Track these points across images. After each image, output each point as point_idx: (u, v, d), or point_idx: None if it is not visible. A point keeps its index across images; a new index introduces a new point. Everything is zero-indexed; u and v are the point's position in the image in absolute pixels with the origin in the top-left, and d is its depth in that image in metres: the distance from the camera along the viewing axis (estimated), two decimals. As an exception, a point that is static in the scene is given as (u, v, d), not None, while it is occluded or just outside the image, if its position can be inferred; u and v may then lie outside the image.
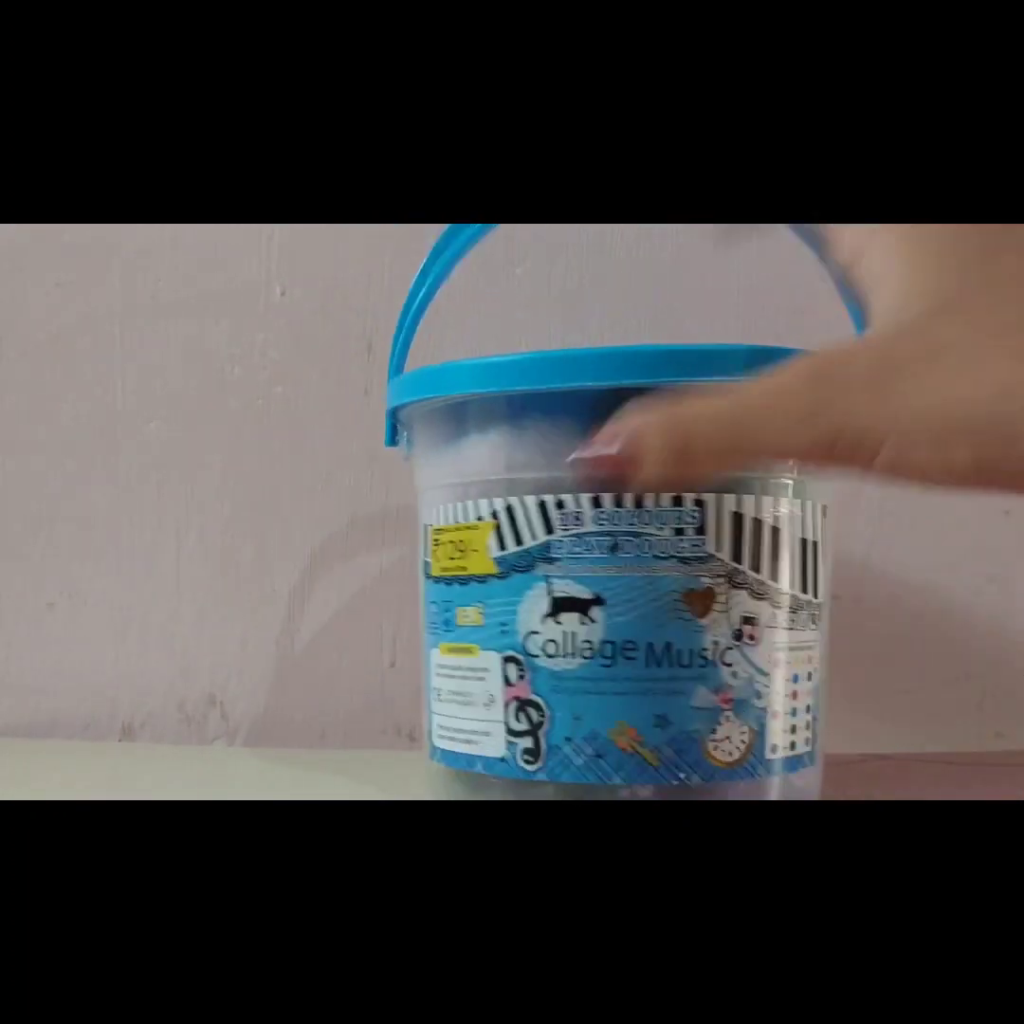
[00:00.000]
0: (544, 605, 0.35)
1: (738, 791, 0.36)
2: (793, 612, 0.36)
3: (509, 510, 0.36)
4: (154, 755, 0.55)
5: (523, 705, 0.36)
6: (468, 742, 0.37)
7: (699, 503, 0.34)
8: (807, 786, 0.38)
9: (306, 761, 0.52)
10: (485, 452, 0.36)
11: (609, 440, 0.25)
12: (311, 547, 0.57)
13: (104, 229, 0.57)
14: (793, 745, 0.36)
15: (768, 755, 0.36)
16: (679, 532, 0.34)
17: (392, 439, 0.42)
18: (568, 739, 0.35)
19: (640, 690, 0.34)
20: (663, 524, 0.34)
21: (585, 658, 0.35)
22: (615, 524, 0.34)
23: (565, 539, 0.35)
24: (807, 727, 0.37)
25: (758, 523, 0.35)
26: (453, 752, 0.38)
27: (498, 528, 0.36)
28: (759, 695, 0.35)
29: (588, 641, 0.35)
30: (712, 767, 0.35)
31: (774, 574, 0.35)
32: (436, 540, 0.38)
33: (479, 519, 0.36)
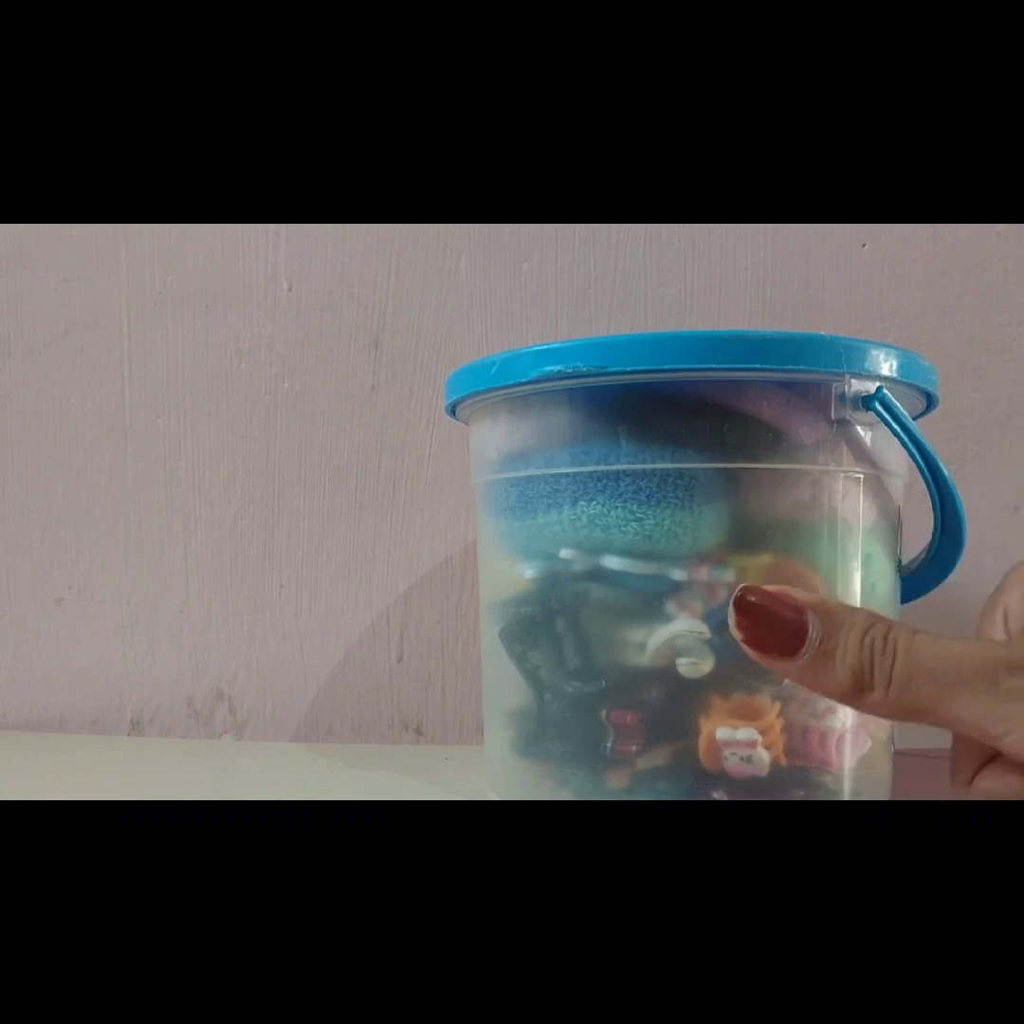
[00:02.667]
0: None
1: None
2: None
3: None
4: (162, 749, 0.55)
5: None
6: None
7: None
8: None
9: (313, 755, 0.53)
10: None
11: None
12: (318, 542, 0.57)
13: (111, 227, 0.57)
14: None
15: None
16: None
17: None
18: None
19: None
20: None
21: None
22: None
23: None
24: None
25: None
26: None
27: None
28: None
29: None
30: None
31: None
32: None
33: None
